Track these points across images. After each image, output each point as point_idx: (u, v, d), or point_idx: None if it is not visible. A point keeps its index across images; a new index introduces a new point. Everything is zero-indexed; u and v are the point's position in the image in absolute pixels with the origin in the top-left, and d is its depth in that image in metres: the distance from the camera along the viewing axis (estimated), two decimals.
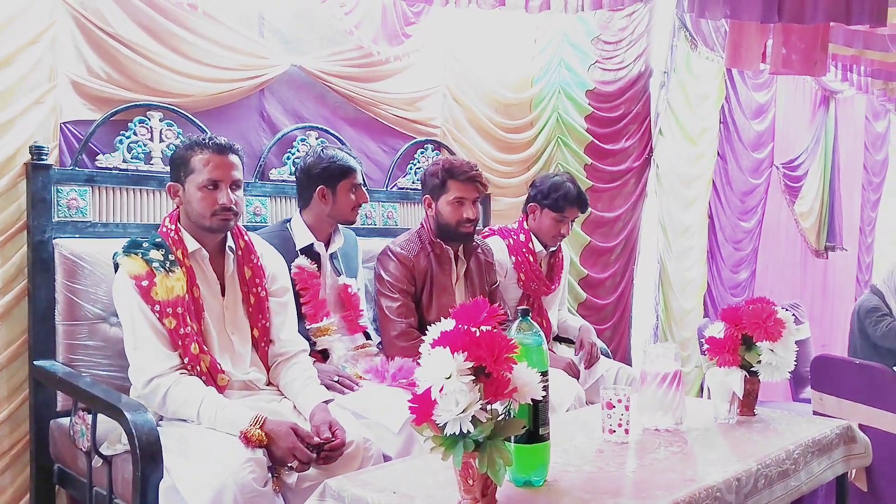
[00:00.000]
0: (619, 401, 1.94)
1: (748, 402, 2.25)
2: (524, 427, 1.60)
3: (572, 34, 4.00)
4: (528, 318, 1.77)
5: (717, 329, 2.29)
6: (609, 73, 4.23)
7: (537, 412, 1.68)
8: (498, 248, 3.03)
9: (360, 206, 2.57)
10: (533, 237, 3.09)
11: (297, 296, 2.43)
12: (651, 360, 2.09)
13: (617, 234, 4.38)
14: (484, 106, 3.66)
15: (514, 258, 3.05)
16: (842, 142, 6.24)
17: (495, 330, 1.57)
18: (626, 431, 1.93)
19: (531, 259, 3.05)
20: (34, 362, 2.26)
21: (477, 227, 2.86)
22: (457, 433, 1.46)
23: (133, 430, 1.83)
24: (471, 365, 1.49)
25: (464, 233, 2.72)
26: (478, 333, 1.55)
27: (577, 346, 3.11)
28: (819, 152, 6.01)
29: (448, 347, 1.51)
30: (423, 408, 1.51)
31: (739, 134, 5.06)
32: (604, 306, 4.27)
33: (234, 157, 2.13)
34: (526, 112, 3.89)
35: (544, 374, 1.69)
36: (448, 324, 1.62)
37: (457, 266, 2.81)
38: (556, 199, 3.00)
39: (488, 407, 1.52)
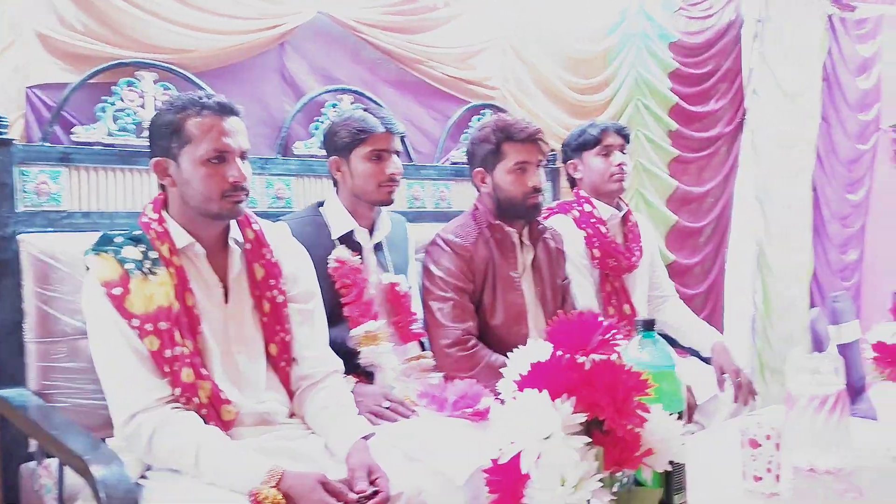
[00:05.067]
0: (768, 437, 1.47)
1: None
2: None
3: None
4: (653, 332, 1.22)
5: (890, 331, 1.76)
6: (696, 21, 3.67)
7: (670, 475, 1.14)
8: (565, 226, 2.50)
9: (393, 181, 2.07)
10: (595, 203, 2.55)
11: (336, 295, 1.98)
12: (802, 377, 1.59)
13: (707, 212, 3.81)
14: (551, 62, 3.14)
15: (584, 232, 2.52)
16: None
17: (614, 357, 1.03)
18: (777, 478, 1.48)
19: (603, 229, 2.52)
20: None
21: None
22: None
23: (101, 493, 1.36)
24: (582, 418, 0.95)
25: (532, 205, 2.22)
26: (588, 365, 1.01)
27: (718, 375, 2.45)
28: None
29: (546, 390, 0.97)
30: (507, 485, 0.97)
31: (844, 92, 4.41)
32: (693, 297, 3.70)
33: (239, 120, 1.67)
34: (600, 68, 3.35)
35: (681, 415, 1.15)
36: (538, 349, 1.08)
37: (522, 253, 2.29)
38: (584, 138, 2.57)
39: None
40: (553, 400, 0.95)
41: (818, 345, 3.12)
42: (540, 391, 0.96)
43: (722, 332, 3.89)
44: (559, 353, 1.01)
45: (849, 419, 1.57)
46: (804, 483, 1.52)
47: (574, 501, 0.93)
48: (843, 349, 2.99)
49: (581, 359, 1.00)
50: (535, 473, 0.94)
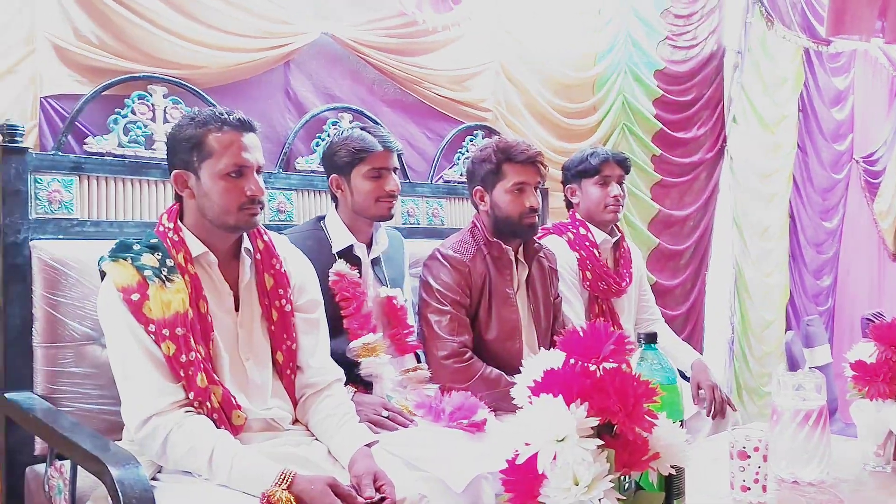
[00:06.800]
0: (756, 449, 1.51)
1: None
2: None
3: (640, 6, 3.55)
4: (655, 346, 1.29)
5: (866, 351, 1.82)
6: (680, 50, 3.76)
7: (671, 480, 1.21)
8: (559, 247, 2.56)
9: (392, 197, 2.12)
10: (590, 227, 2.61)
11: (336, 308, 2.01)
12: (787, 393, 1.64)
13: (688, 235, 3.90)
14: (541, 87, 3.21)
15: (577, 254, 2.58)
16: None
17: (624, 367, 1.10)
18: (764, 488, 1.52)
19: (596, 253, 2.58)
20: (5, 395, 1.82)
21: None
22: None
23: (119, 492, 1.38)
24: (595, 422, 1.02)
25: (528, 225, 2.27)
26: (599, 373, 1.08)
27: (694, 390, 2.51)
28: None
29: (561, 395, 1.03)
30: (523, 485, 1.03)
31: (819, 123, 4.54)
32: (674, 318, 3.78)
33: (256, 136, 1.72)
34: (588, 94, 3.42)
35: (682, 424, 1.22)
36: (551, 357, 1.14)
37: (517, 271, 2.34)
38: (584, 166, 2.61)
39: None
40: (567, 405, 1.02)
41: (793, 366, 3.22)
42: (555, 396, 1.02)
43: (701, 353, 3.98)
44: (572, 361, 1.08)
45: (829, 433, 1.62)
46: (788, 493, 1.56)
47: (586, 500, 0.99)
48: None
49: (592, 367, 1.07)
50: (551, 473, 1.00)
